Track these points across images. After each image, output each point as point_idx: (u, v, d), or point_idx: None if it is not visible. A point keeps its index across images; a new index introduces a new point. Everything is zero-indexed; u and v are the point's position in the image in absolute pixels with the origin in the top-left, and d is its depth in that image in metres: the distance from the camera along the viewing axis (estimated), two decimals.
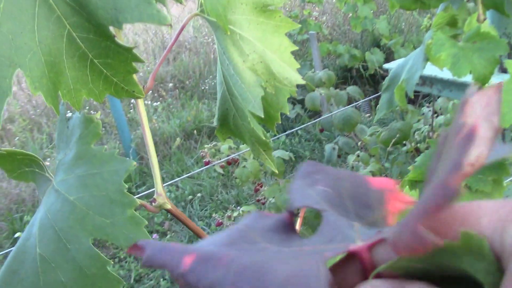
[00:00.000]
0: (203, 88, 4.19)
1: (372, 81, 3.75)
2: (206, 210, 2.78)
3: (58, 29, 0.37)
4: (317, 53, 3.16)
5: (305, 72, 2.26)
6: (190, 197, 2.88)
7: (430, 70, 0.89)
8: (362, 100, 1.89)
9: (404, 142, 1.69)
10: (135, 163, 0.40)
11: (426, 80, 0.89)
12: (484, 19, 0.60)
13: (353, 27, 3.38)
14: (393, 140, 1.59)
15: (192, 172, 2.68)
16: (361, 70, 3.66)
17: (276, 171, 0.53)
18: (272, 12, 0.49)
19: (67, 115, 0.47)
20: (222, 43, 0.50)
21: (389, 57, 3.47)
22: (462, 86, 0.83)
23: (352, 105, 1.93)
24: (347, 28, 4.41)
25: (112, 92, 0.40)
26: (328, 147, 1.93)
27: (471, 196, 0.58)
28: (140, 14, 0.34)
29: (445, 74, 0.85)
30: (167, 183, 2.54)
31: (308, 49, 3.90)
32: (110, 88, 0.40)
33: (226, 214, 1.59)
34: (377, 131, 1.72)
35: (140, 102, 0.44)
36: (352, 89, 1.93)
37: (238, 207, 1.62)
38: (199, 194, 2.87)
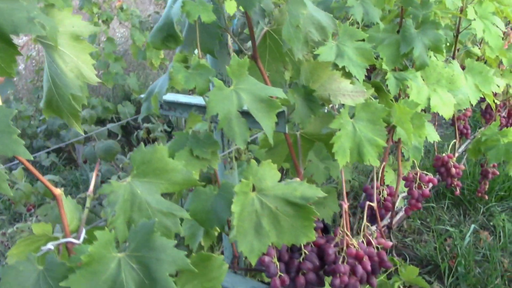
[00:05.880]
0: None
1: (124, 131, 4.17)
2: None
3: None
4: None
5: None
6: None
7: (173, 97, 1.34)
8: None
9: None
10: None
11: (171, 106, 1.35)
12: (203, 57, 1.09)
13: (104, 81, 3.78)
14: None
15: None
16: (115, 120, 4.06)
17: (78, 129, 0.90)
18: (81, 40, 0.88)
19: None
20: (51, 55, 0.86)
21: (139, 109, 3.97)
22: (191, 106, 1.32)
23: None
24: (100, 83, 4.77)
25: None
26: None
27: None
28: (29, 29, 0.70)
29: (184, 99, 1.32)
30: None
31: None
32: None
33: (1, 231, 1.75)
34: None
35: None
36: (113, 127, 2.32)
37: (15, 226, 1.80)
38: None
